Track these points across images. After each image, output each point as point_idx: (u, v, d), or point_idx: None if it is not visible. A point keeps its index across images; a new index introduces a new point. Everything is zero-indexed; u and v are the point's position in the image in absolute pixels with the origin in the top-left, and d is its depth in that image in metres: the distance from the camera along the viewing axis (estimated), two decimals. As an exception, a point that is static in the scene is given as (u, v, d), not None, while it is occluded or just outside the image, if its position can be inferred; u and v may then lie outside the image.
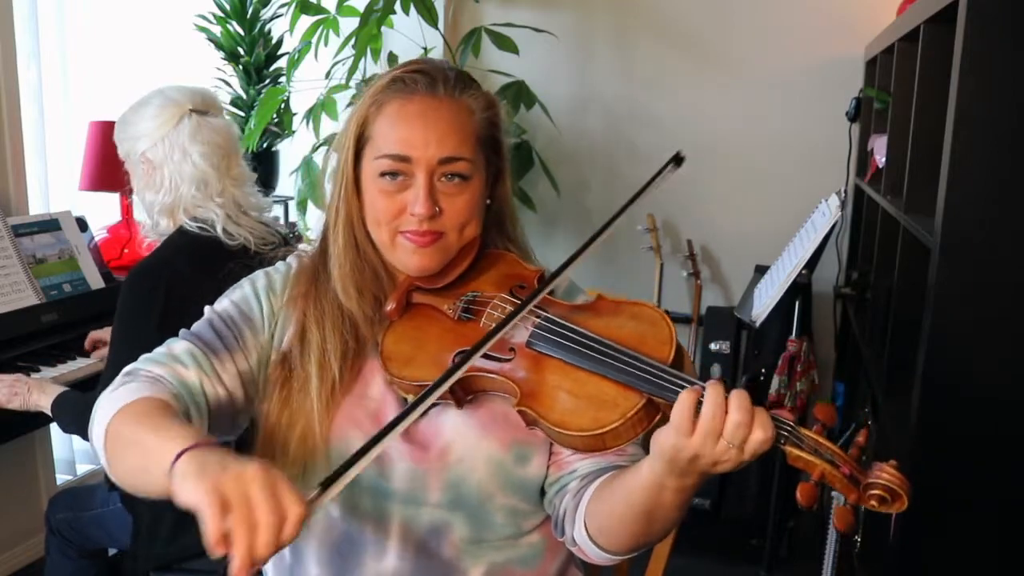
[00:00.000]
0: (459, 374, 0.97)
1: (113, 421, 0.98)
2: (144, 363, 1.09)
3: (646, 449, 0.98)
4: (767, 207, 3.21)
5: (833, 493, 2.05)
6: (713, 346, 3.12)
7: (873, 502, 0.86)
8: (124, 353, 1.67)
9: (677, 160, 1.09)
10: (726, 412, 0.87)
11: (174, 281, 1.67)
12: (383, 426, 0.91)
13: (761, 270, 2.84)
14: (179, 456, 0.84)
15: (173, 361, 1.09)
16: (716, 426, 0.87)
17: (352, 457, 0.86)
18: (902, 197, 1.95)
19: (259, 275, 1.20)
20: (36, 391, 1.84)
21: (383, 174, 1.10)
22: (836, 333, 3.18)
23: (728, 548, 2.94)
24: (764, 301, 2.43)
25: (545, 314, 1.06)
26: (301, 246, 1.25)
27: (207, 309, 1.17)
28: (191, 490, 0.80)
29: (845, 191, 2.46)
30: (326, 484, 0.84)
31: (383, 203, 1.11)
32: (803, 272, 2.36)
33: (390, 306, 1.13)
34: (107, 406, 1.02)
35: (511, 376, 1.03)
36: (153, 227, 1.83)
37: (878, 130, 2.64)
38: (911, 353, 1.70)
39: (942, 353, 1.50)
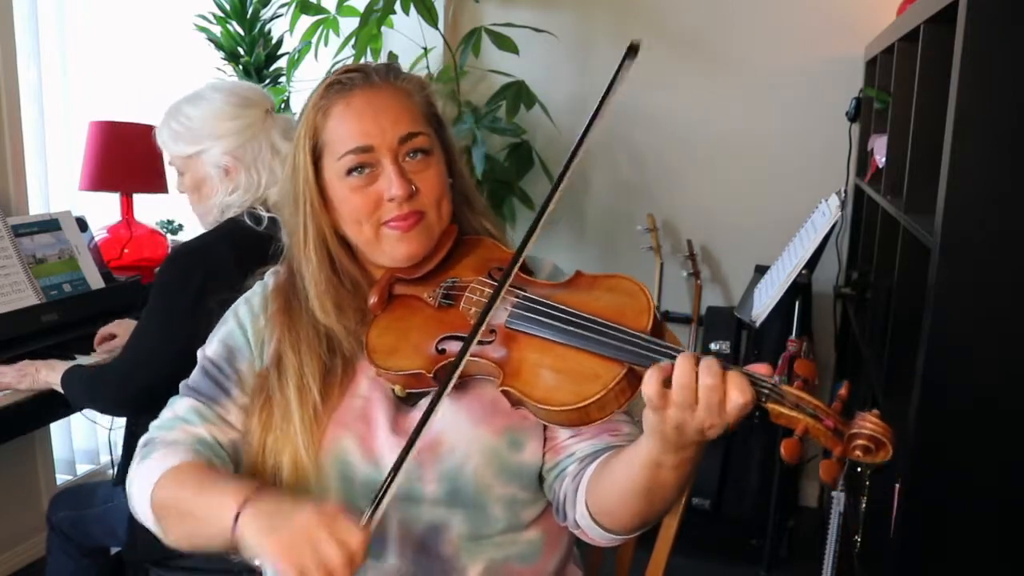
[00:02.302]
0: (461, 366, 1.00)
1: (155, 494, 1.06)
2: (156, 431, 1.15)
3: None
4: (767, 207, 3.21)
5: (832, 493, 2.05)
6: (713, 346, 3.10)
7: (858, 452, 0.86)
8: (155, 326, 1.69)
9: (632, 50, 1.00)
10: (697, 380, 0.88)
11: (214, 264, 1.66)
12: (404, 442, 0.99)
13: (761, 270, 2.84)
14: (237, 516, 0.94)
15: (181, 423, 1.14)
16: (689, 395, 0.88)
17: (388, 474, 0.97)
18: (902, 197, 1.95)
19: (239, 304, 1.22)
20: (45, 369, 1.88)
21: (350, 171, 1.12)
22: (836, 333, 3.18)
23: (728, 548, 2.94)
24: (764, 301, 2.43)
25: (524, 293, 1.07)
26: (273, 268, 1.25)
27: (199, 355, 1.19)
28: (265, 552, 0.92)
29: (845, 191, 2.46)
30: (375, 506, 0.95)
31: (358, 200, 1.12)
32: (803, 272, 2.36)
33: (372, 300, 1.15)
34: (140, 481, 1.09)
35: (492, 357, 1.04)
36: (214, 224, 1.80)
37: (878, 130, 2.64)
38: (911, 353, 1.70)
39: (942, 353, 1.50)
